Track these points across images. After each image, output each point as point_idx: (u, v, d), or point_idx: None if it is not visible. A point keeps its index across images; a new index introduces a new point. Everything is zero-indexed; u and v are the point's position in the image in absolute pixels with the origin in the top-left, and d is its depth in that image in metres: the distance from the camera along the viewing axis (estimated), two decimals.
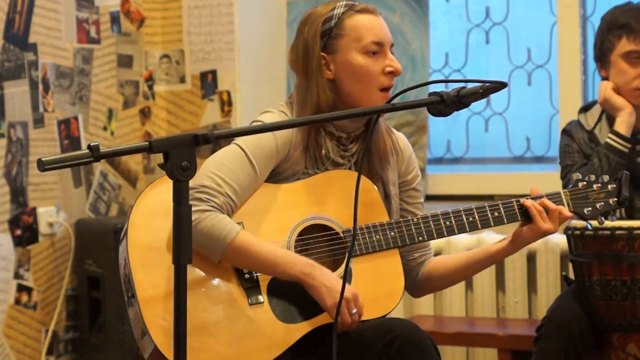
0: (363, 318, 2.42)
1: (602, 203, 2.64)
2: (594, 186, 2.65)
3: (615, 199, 2.65)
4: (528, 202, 2.55)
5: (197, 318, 2.33)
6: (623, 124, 3.11)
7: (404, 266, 2.65)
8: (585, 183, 2.65)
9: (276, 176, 2.52)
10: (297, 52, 2.57)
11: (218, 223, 2.36)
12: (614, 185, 2.65)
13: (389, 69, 2.53)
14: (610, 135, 3.11)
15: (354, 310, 2.37)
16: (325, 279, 2.37)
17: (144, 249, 2.39)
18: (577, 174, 2.68)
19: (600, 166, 3.08)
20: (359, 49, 2.51)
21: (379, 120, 2.57)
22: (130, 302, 2.40)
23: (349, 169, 2.58)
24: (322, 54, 2.52)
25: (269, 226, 2.47)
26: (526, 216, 2.57)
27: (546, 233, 2.54)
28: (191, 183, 2.37)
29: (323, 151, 2.54)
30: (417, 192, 2.69)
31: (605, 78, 3.21)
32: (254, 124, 2.52)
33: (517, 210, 2.57)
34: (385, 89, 2.53)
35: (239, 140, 2.49)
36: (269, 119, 2.54)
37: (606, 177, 2.67)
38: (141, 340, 2.38)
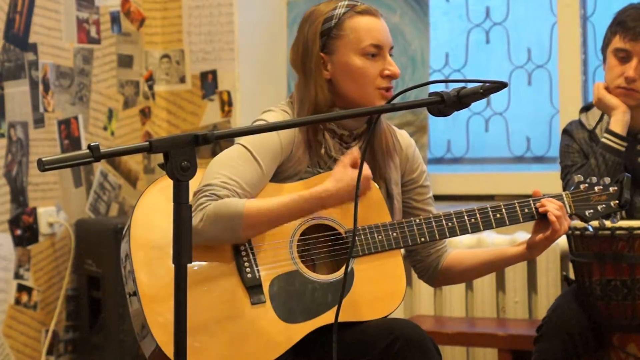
0: (365, 319, 2.42)
1: (604, 205, 2.64)
2: (596, 188, 2.65)
3: (617, 201, 2.65)
4: (549, 207, 2.53)
5: (198, 317, 2.33)
6: (618, 123, 3.12)
7: (422, 262, 2.67)
8: (586, 185, 2.65)
9: (278, 175, 2.51)
10: (297, 50, 2.56)
11: (222, 204, 2.34)
12: (616, 188, 2.65)
13: (386, 72, 2.52)
14: (606, 135, 3.11)
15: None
16: (334, 183, 2.40)
17: (147, 248, 2.39)
18: (579, 175, 2.68)
19: (597, 166, 3.08)
20: (357, 51, 2.50)
21: (380, 118, 2.56)
22: (132, 301, 2.40)
23: None
24: (320, 53, 2.52)
25: None
26: (529, 218, 2.57)
27: (560, 236, 2.55)
28: (197, 186, 2.38)
29: (322, 150, 2.53)
30: (425, 189, 2.68)
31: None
32: (256, 123, 2.52)
33: (519, 212, 2.56)
34: (383, 89, 2.53)
35: (242, 140, 2.48)
36: (271, 117, 2.53)
37: (607, 179, 2.67)
38: (142, 339, 2.38)
